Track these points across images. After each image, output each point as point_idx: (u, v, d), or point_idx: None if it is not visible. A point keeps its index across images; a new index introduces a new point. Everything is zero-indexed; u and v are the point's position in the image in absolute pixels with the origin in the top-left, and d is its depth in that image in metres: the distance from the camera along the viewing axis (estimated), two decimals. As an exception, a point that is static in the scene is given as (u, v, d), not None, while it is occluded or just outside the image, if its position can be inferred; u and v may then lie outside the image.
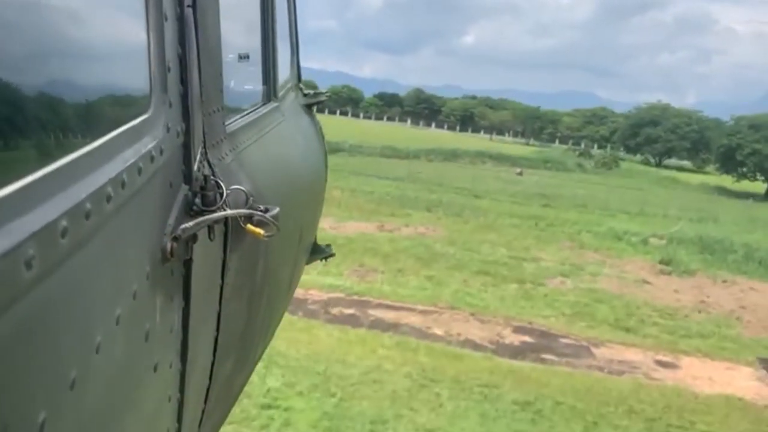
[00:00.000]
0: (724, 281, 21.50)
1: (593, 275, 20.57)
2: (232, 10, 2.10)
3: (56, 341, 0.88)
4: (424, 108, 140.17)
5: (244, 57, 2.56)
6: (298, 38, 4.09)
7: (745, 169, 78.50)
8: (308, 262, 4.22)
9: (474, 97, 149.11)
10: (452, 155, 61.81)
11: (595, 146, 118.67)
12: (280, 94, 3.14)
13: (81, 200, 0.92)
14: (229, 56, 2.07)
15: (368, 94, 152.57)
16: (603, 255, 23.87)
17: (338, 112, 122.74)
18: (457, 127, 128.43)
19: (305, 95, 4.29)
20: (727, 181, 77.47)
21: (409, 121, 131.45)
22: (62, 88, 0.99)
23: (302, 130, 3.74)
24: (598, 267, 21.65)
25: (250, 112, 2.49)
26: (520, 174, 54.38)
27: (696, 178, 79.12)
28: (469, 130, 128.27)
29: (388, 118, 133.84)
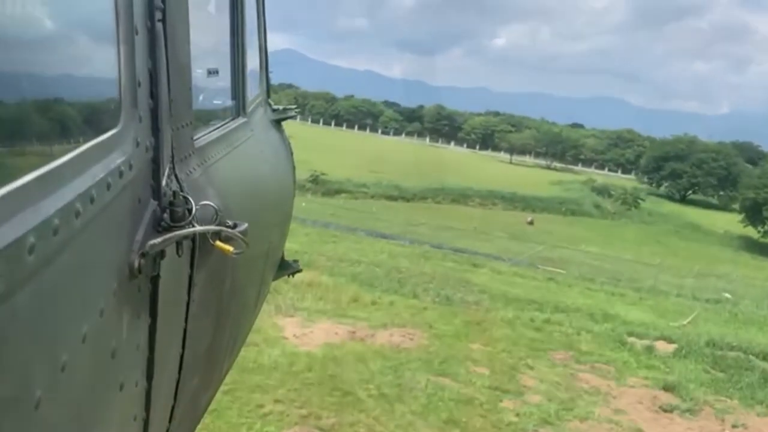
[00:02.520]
0: (734, 427, 18.97)
1: (582, 419, 18.14)
2: (202, 25, 2.08)
3: (21, 360, 0.86)
4: (444, 125, 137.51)
5: (213, 72, 2.53)
6: (268, 53, 4.04)
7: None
8: (275, 278, 4.20)
9: (497, 114, 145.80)
10: (461, 196, 59.40)
11: (619, 171, 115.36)
12: (249, 109, 3.11)
13: (49, 216, 0.90)
14: (198, 71, 2.04)
15: (396, 95, 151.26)
16: (600, 376, 21.29)
17: (357, 126, 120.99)
18: (477, 146, 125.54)
19: (274, 110, 4.21)
20: (753, 231, 73.63)
21: (428, 138, 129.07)
22: (32, 103, 0.97)
23: (271, 146, 3.73)
24: (590, 403, 19.07)
25: (219, 126, 2.47)
26: (531, 223, 51.86)
27: (721, 221, 75.40)
28: (489, 149, 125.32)
29: (407, 134, 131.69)
